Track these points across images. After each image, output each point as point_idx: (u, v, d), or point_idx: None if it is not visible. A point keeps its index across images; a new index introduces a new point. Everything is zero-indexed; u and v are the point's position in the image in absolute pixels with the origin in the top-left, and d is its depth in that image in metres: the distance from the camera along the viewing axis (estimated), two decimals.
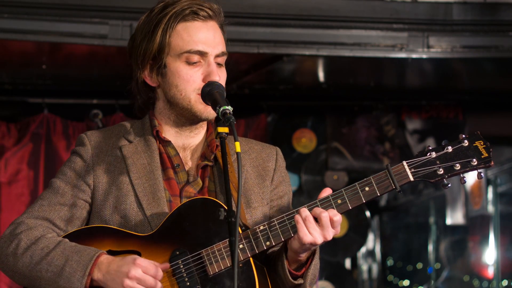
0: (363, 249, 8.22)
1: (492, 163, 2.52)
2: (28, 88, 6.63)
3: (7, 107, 6.79)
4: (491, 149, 2.53)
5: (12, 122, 6.65)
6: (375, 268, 8.53)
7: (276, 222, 2.51)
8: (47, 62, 5.99)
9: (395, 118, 7.13)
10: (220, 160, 2.62)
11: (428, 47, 5.58)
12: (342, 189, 2.52)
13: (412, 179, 2.52)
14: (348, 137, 7.13)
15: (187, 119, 2.66)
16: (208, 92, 2.53)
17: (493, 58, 5.74)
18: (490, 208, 7.17)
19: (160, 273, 2.45)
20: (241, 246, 2.48)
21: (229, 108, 2.41)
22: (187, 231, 2.52)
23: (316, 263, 2.58)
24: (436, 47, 5.60)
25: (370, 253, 8.58)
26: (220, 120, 2.40)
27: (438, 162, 2.52)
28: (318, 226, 2.46)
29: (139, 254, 2.52)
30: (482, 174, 2.54)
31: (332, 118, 7.16)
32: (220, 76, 2.60)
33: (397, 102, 7.12)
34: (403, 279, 8.79)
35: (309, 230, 2.45)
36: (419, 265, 8.71)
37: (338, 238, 7.01)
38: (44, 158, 6.60)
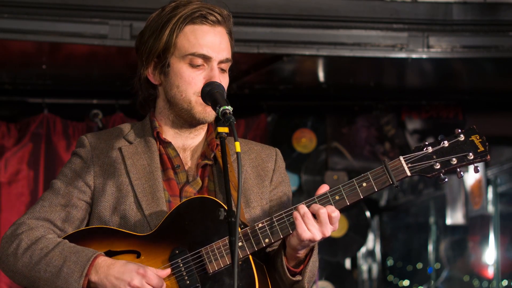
0: (363, 249, 8.23)
1: (489, 156, 2.52)
2: (28, 88, 6.63)
3: (7, 107, 6.79)
4: (487, 143, 2.53)
5: (12, 122, 6.65)
6: (375, 268, 8.53)
7: (274, 219, 2.51)
8: (47, 62, 6.00)
9: (395, 118, 7.13)
10: (220, 160, 2.63)
11: (428, 47, 5.58)
12: (340, 186, 2.52)
13: (409, 174, 2.53)
14: (348, 137, 7.13)
15: (186, 120, 2.67)
16: (208, 92, 2.54)
17: (493, 58, 5.74)
18: (490, 208, 7.17)
19: (164, 285, 2.46)
20: (240, 244, 2.49)
21: (229, 108, 2.41)
22: (186, 230, 2.53)
23: (314, 260, 2.59)
24: (436, 47, 5.60)
25: (370, 253, 8.58)
26: (220, 120, 2.41)
27: (434, 156, 2.53)
28: (317, 223, 2.46)
29: (139, 254, 2.53)
30: (478, 168, 2.55)
31: (332, 118, 7.16)
32: (222, 82, 2.60)
33: (397, 102, 7.12)
34: (403, 279, 8.80)
35: (308, 227, 2.45)
36: (419, 265, 8.71)
37: (338, 238, 7.02)
38: (44, 158, 6.60)
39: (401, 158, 2.53)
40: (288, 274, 2.54)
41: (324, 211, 2.45)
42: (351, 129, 7.13)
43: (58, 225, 2.61)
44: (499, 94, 6.91)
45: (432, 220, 8.37)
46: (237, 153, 2.32)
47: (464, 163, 2.52)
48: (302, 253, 2.53)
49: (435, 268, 8.26)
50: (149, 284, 2.43)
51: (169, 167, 2.66)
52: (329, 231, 2.47)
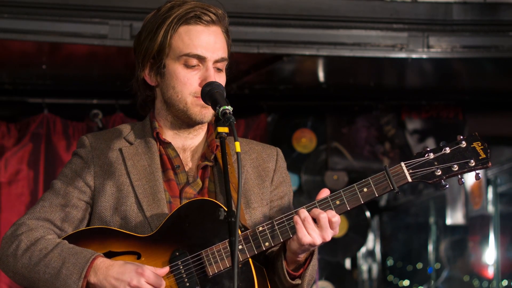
0: (363, 249, 8.22)
1: (490, 164, 2.52)
2: (28, 88, 6.63)
3: (7, 107, 6.79)
4: (488, 150, 2.53)
5: (12, 122, 6.65)
6: (375, 268, 8.53)
7: (275, 223, 2.51)
8: (47, 62, 6.00)
9: (395, 118, 7.13)
10: (220, 161, 2.62)
11: (428, 47, 5.58)
12: (341, 190, 2.52)
13: (410, 180, 2.52)
14: (348, 137, 7.13)
15: (183, 121, 2.67)
16: (208, 92, 2.53)
17: (493, 58, 5.74)
18: (490, 208, 7.16)
19: (163, 283, 2.46)
20: (240, 247, 2.48)
21: (229, 108, 2.40)
22: (187, 232, 2.53)
23: (314, 264, 2.59)
24: (436, 47, 5.60)
25: (370, 253, 8.58)
26: (220, 120, 2.40)
27: (436, 163, 2.52)
28: (317, 227, 2.46)
29: (139, 255, 2.53)
30: (479, 175, 2.55)
31: (332, 118, 7.16)
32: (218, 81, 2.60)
33: (397, 102, 7.12)
34: (403, 279, 8.79)
35: (308, 231, 2.45)
36: (419, 265, 8.71)
37: (338, 238, 7.01)
38: (44, 158, 6.60)
39: (403, 164, 2.53)
40: (288, 278, 2.54)
41: (324, 216, 2.45)
42: (351, 129, 7.13)
43: (58, 225, 2.62)
44: (499, 94, 6.91)
45: (432, 220, 8.36)
46: (237, 153, 2.32)
47: (465, 170, 2.52)
48: (302, 257, 2.53)
49: (435, 268, 8.25)
50: (148, 283, 2.43)
51: (169, 167, 2.66)
52: (329, 235, 2.47)
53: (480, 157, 2.52)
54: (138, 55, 2.67)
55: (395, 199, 8.41)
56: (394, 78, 6.78)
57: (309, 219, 2.46)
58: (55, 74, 6.37)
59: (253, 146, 2.77)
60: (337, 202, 2.51)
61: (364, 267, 8.49)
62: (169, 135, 2.70)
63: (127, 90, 2.77)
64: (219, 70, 2.64)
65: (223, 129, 2.38)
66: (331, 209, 2.49)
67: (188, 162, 2.69)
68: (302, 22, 5.50)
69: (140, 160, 2.65)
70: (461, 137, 2.55)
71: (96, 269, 2.46)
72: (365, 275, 8.49)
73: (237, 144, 2.33)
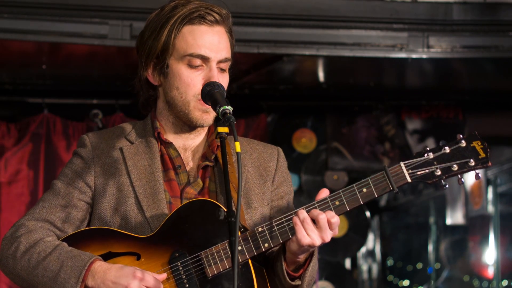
0: (363, 249, 8.23)
1: (490, 163, 2.50)
2: (28, 88, 6.63)
3: (7, 107, 6.79)
4: (488, 150, 2.51)
5: (12, 122, 6.65)
6: (375, 268, 8.53)
7: (274, 224, 2.50)
8: (47, 62, 5.99)
9: (395, 118, 7.13)
10: (221, 161, 2.62)
11: (428, 47, 5.58)
12: (340, 191, 2.51)
13: (409, 180, 2.51)
14: (348, 137, 7.13)
15: (185, 123, 2.66)
16: (208, 92, 2.52)
17: (493, 58, 5.74)
18: (490, 208, 7.16)
19: (161, 286, 2.46)
20: (239, 248, 2.47)
21: (229, 108, 2.40)
22: (186, 233, 2.52)
23: (314, 264, 2.58)
24: (436, 47, 5.60)
25: (370, 253, 8.58)
26: (220, 120, 2.40)
27: (435, 163, 2.51)
28: (316, 228, 2.45)
29: (139, 256, 2.53)
30: (479, 174, 2.53)
31: (332, 118, 7.16)
32: (221, 82, 2.59)
33: (397, 102, 7.12)
34: (403, 279, 8.80)
35: (307, 232, 2.45)
36: (419, 265, 8.71)
37: (338, 238, 7.01)
38: (44, 158, 6.60)
39: (402, 164, 2.51)
40: (287, 278, 2.53)
41: (323, 217, 2.45)
42: (351, 129, 7.13)
43: (58, 226, 2.61)
44: (499, 94, 6.91)
45: (432, 220, 8.37)
46: (237, 153, 2.31)
47: (465, 170, 2.50)
48: (301, 257, 2.53)
49: (435, 268, 8.26)
50: (147, 287, 2.43)
51: (170, 167, 2.65)
52: (328, 236, 2.46)
53: (480, 157, 2.51)
54: (141, 54, 2.66)
55: (395, 199, 8.41)
56: (394, 78, 6.78)
57: (308, 220, 2.45)
58: (55, 74, 6.37)
59: (254, 146, 2.77)
60: (337, 203, 2.50)
61: (364, 267, 8.49)
62: (170, 135, 2.70)
63: (129, 90, 2.76)
64: (222, 70, 2.63)
65: (223, 129, 2.38)
66: (331, 209, 2.48)
67: (189, 162, 2.68)
68: (302, 22, 5.50)
69: (140, 160, 2.65)
70: (461, 136, 2.53)
71: (94, 273, 2.46)
72: (365, 275, 8.49)
73: (237, 144, 2.32)
